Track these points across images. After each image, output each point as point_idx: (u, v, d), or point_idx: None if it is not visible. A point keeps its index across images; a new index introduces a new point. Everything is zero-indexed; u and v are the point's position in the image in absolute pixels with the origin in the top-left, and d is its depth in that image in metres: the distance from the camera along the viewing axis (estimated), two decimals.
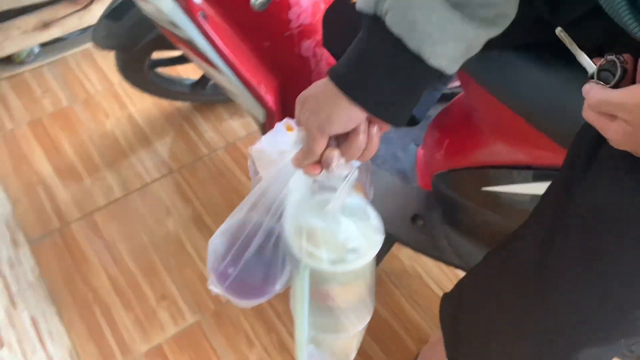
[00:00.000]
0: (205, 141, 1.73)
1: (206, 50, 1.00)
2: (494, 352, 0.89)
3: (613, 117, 0.45)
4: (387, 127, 0.60)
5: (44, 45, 1.95)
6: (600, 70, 0.46)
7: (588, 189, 0.59)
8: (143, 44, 1.29)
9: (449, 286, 1.38)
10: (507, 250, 0.83)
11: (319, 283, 0.73)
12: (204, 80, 1.66)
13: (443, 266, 1.44)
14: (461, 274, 1.35)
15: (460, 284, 0.95)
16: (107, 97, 1.85)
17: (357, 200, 0.71)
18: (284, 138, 0.69)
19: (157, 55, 1.49)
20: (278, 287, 0.75)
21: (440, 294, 1.37)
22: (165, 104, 1.81)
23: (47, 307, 1.31)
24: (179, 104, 1.81)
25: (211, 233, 1.49)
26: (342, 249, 0.69)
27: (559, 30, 0.49)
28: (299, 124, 0.61)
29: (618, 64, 0.44)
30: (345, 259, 0.69)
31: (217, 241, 0.73)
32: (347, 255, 0.69)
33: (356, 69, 0.54)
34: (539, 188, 0.78)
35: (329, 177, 0.65)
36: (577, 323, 0.70)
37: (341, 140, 0.59)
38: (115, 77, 1.88)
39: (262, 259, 0.72)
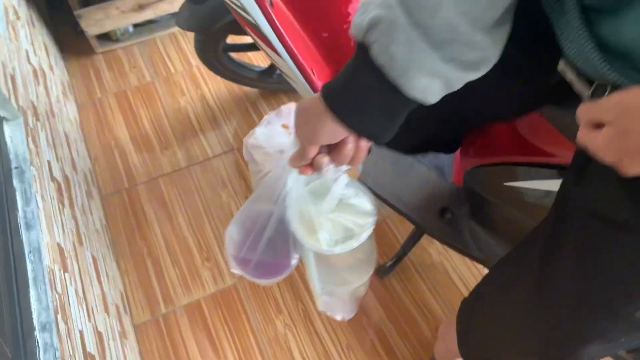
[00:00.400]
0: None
1: (269, 35, 1.10)
2: (503, 348, 0.92)
3: (600, 127, 0.48)
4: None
5: (137, 25, 2.13)
6: (592, 93, 0.50)
7: (583, 188, 0.62)
8: (219, 27, 1.41)
9: (473, 283, 1.41)
10: (519, 251, 0.86)
11: (322, 257, 0.80)
12: (271, 69, 1.76)
13: (470, 264, 1.47)
14: (486, 272, 1.38)
15: (478, 285, 0.99)
16: (185, 77, 2.00)
17: (352, 188, 0.77)
18: (279, 136, 0.75)
19: (231, 40, 1.61)
20: (293, 262, 0.82)
21: (464, 289, 1.40)
22: (236, 88, 1.94)
23: (107, 253, 1.45)
24: (247, 89, 1.93)
25: None
26: (337, 233, 0.76)
27: (561, 65, 0.52)
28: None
29: (608, 84, 0.48)
30: (341, 241, 0.75)
31: (233, 230, 0.81)
32: (342, 238, 0.76)
33: (343, 90, 0.57)
34: (554, 185, 0.81)
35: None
36: (575, 320, 0.73)
37: (332, 147, 0.63)
38: (195, 60, 2.04)
39: (276, 243, 0.80)
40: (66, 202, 1.24)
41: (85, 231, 1.32)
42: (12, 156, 1.07)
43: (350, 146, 0.61)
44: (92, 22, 2.00)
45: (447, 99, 0.87)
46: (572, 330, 0.74)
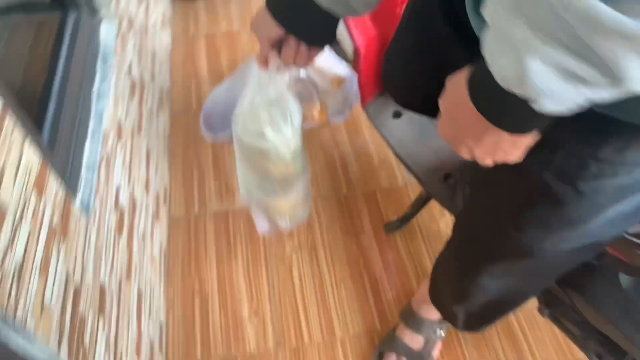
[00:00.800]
0: None
1: None
2: (446, 285, 1.03)
3: None
4: (316, 49, 0.73)
5: None
6: None
7: None
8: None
9: None
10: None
11: (243, 147, 0.90)
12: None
13: None
14: None
15: None
16: None
17: (292, 105, 0.86)
18: None
19: None
20: (221, 135, 0.92)
21: None
22: None
23: (162, 154, 1.66)
24: None
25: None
26: (255, 128, 0.85)
27: None
28: None
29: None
30: (255, 136, 0.85)
31: (216, 91, 0.94)
32: (257, 135, 0.85)
33: None
34: None
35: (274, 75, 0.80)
36: (481, 243, 0.84)
37: (281, 48, 0.74)
38: None
39: (226, 112, 0.91)
40: (136, 97, 1.44)
41: (147, 127, 1.52)
42: (101, 46, 1.28)
43: (291, 47, 0.71)
44: None
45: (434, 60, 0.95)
46: (478, 251, 0.83)
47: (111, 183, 1.11)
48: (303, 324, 1.37)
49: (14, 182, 0.70)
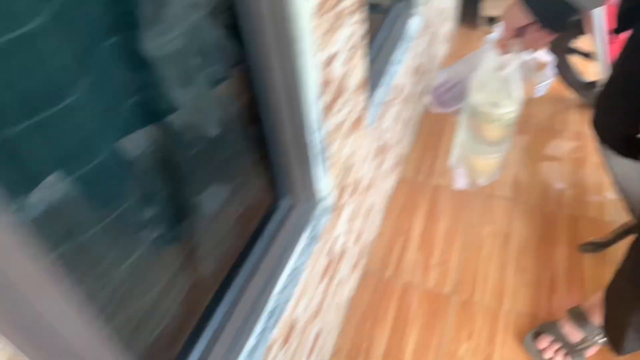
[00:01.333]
0: (566, 124, 2.12)
1: (597, 21, 1.43)
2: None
3: None
4: (552, 34, 0.85)
5: None
6: None
7: None
8: (573, 21, 1.77)
9: None
10: None
11: (472, 115, 1.11)
12: (593, 85, 2.02)
13: None
14: None
15: None
16: None
17: (518, 83, 1.02)
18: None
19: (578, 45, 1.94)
20: (454, 108, 1.18)
21: None
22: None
23: (414, 129, 2.02)
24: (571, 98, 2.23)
25: None
26: (489, 99, 1.05)
27: None
28: None
29: None
30: (488, 105, 1.05)
31: (442, 74, 1.20)
32: (490, 104, 1.05)
33: None
34: None
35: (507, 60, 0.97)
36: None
37: (522, 35, 0.88)
38: None
39: (457, 90, 1.15)
40: (415, 76, 1.83)
41: (413, 103, 1.90)
42: (408, 31, 1.70)
43: (533, 32, 0.87)
44: (489, 5, 2.56)
45: None
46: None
47: (383, 121, 1.51)
48: (479, 286, 1.58)
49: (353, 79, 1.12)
